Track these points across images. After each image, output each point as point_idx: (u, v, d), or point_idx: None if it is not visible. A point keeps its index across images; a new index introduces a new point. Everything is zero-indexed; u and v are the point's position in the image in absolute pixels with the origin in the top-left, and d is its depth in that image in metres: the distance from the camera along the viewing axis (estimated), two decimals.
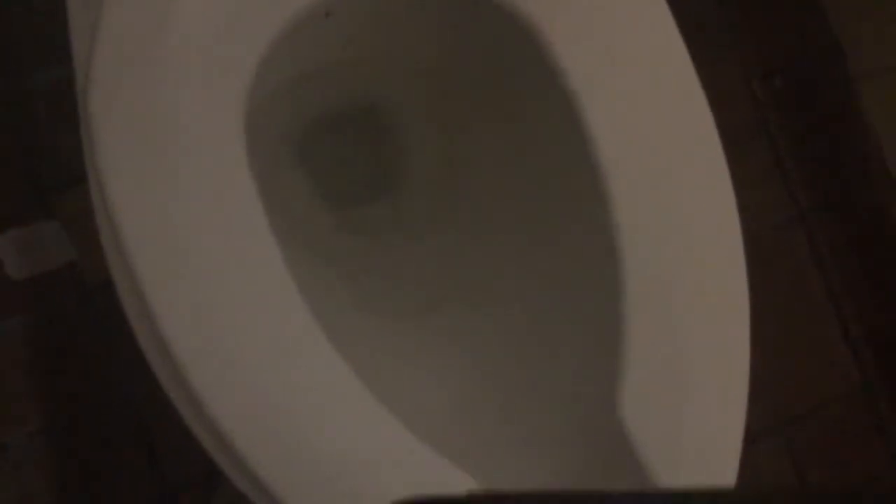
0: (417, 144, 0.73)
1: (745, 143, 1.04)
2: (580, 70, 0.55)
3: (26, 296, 0.85)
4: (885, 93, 0.97)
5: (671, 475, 0.52)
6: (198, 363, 0.46)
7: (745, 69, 1.04)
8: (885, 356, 1.05)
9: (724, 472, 0.53)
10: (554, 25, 0.55)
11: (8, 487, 0.83)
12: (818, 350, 1.06)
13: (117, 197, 0.47)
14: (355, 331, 0.62)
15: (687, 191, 0.57)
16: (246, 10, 0.50)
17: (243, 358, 0.47)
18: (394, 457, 0.48)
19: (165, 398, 0.59)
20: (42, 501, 0.84)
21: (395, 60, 0.68)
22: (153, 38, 0.48)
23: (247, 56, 0.50)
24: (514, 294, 0.65)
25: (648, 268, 0.55)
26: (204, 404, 0.46)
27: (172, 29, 0.49)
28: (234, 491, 0.50)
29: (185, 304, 0.47)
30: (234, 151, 0.49)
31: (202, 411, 0.46)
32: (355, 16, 0.61)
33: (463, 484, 0.48)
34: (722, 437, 0.54)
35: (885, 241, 1.01)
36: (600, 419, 0.54)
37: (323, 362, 0.49)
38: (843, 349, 1.06)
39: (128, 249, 0.46)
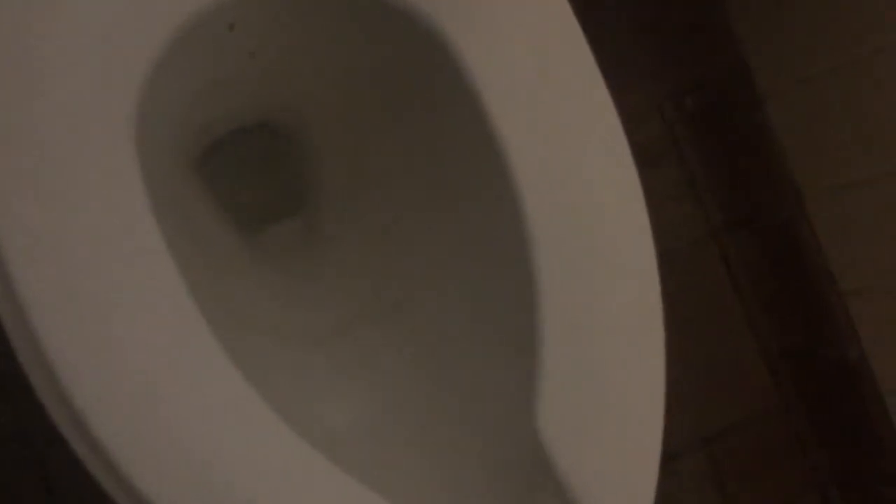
0: (326, 159, 0.71)
1: (658, 163, 1.05)
2: (490, 82, 0.54)
3: None
4: (790, 110, 0.99)
5: (591, 493, 0.51)
6: (98, 406, 0.43)
7: (656, 90, 1.06)
8: (801, 370, 1.07)
9: (642, 489, 0.53)
10: (463, 37, 0.54)
11: None
12: (736, 366, 1.07)
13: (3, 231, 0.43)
14: (265, 357, 0.60)
15: (600, 207, 0.57)
16: (132, 19, 0.47)
17: (145, 392, 0.44)
18: (310, 486, 0.46)
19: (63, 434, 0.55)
20: None
21: (301, 73, 0.66)
22: (27, 49, 0.45)
23: (135, 68, 0.48)
24: (428, 312, 0.63)
25: (564, 286, 0.55)
26: (104, 447, 0.43)
27: (49, 42, 0.46)
28: None
29: (80, 342, 0.44)
30: (125, 170, 0.46)
31: (106, 458, 0.43)
32: (260, 28, 0.59)
33: None
34: (639, 454, 0.54)
35: (796, 255, 1.03)
36: (518, 440, 0.53)
37: (230, 389, 0.46)
38: (760, 365, 1.07)
39: (15, 286, 0.43)
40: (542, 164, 0.55)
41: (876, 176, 0.96)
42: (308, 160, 0.72)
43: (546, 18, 0.57)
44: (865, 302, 1.00)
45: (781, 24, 0.98)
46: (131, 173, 0.45)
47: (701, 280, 1.06)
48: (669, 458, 0.96)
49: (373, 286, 0.66)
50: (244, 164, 0.73)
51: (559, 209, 0.55)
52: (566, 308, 0.54)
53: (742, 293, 1.06)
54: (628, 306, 0.55)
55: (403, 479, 0.54)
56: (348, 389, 0.61)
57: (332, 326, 0.64)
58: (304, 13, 0.58)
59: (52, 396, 0.45)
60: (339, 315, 0.65)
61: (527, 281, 0.54)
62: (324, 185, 0.71)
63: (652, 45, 1.06)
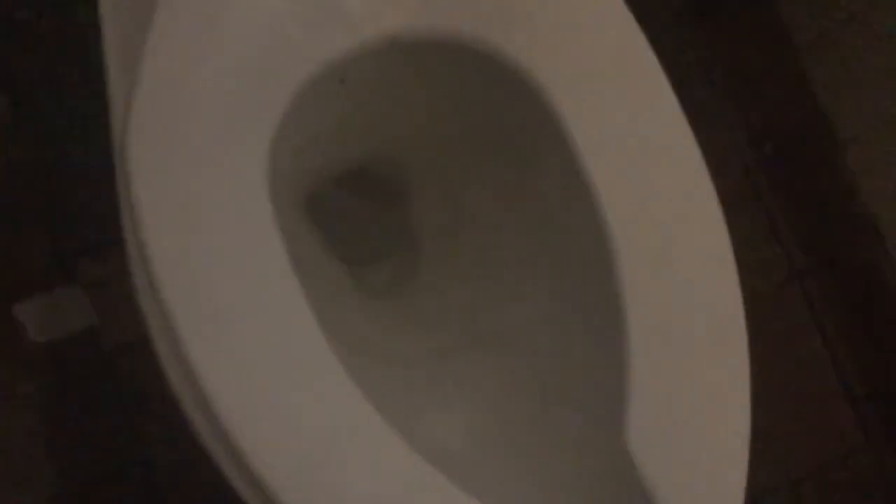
0: (423, 201, 0.76)
1: (740, 207, 1.07)
2: (581, 127, 0.58)
3: (46, 360, 0.87)
4: (869, 154, 1.00)
5: None
6: (247, 427, 0.49)
7: (736, 137, 1.09)
8: (887, 412, 1.06)
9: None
10: (561, 92, 0.59)
11: None
12: (820, 408, 1.07)
13: (160, 265, 0.50)
14: (368, 378, 0.64)
15: (688, 247, 0.60)
16: (263, 78, 0.54)
17: (286, 413, 0.50)
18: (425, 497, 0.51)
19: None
20: None
21: (402, 121, 0.72)
22: (185, 106, 0.52)
23: (267, 119, 0.54)
24: (524, 339, 0.67)
25: (651, 317, 0.58)
26: (252, 464, 0.49)
27: (200, 94, 0.53)
28: None
29: (230, 365, 0.50)
30: (264, 213, 0.53)
31: (249, 469, 0.49)
32: (367, 83, 0.65)
33: None
34: (726, 474, 0.56)
35: (878, 297, 1.03)
36: (610, 457, 0.56)
37: (356, 412, 0.51)
38: (845, 406, 1.07)
39: (169, 308, 0.49)
40: (633, 209, 0.58)
41: None
42: (405, 203, 0.77)
43: (634, 66, 0.61)
44: None
45: (861, 69, 1.00)
46: (264, 198, 0.52)
47: (785, 322, 1.07)
48: (755, 501, 0.96)
49: (470, 315, 0.70)
50: (347, 206, 0.78)
51: (648, 249, 0.58)
52: (653, 333, 0.57)
53: (825, 334, 1.07)
54: (713, 328, 0.58)
55: (498, 491, 0.58)
56: (448, 410, 0.65)
57: (432, 351, 0.69)
58: (408, 68, 0.64)
59: (195, 406, 0.51)
60: (439, 340, 0.69)
61: (616, 314, 0.58)
62: (419, 226, 0.76)
63: (731, 93, 1.09)
